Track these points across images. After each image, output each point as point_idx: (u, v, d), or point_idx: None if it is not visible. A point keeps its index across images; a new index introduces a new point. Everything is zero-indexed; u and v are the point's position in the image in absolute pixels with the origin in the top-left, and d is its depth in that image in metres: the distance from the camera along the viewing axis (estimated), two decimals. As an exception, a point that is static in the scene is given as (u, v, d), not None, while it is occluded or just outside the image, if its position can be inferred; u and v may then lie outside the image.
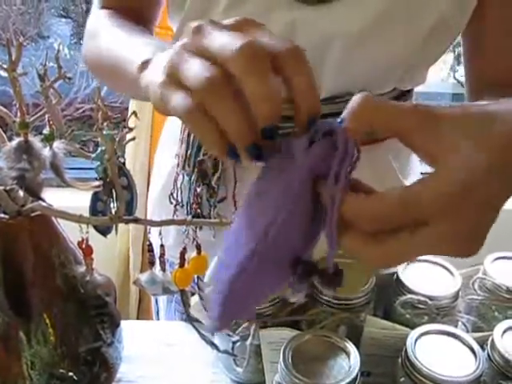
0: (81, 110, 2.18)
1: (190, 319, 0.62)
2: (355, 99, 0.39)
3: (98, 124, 0.47)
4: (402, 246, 0.37)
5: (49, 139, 0.54)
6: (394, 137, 0.38)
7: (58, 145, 0.56)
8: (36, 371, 0.60)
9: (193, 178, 0.64)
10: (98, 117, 0.51)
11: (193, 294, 0.68)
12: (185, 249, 0.55)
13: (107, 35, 0.68)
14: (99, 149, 0.52)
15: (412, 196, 0.36)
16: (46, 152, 0.55)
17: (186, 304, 0.61)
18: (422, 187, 0.36)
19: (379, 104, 0.38)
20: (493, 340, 0.64)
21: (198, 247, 0.55)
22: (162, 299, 0.86)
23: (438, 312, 0.69)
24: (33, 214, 0.58)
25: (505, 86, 0.67)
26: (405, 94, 0.74)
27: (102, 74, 0.72)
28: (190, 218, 0.59)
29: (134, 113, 0.54)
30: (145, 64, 0.49)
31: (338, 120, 0.40)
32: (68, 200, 0.91)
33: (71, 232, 0.61)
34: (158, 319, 0.90)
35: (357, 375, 0.59)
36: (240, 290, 0.38)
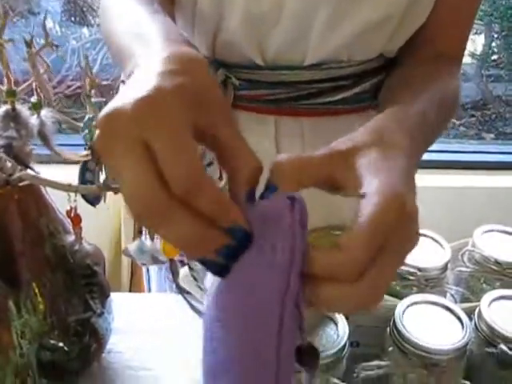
0: (72, 88, 2.16)
1: (180, 290, 0.62)
2: (278, 164, 0.40)
3: (85, 91, 0.47)
4: (377, 278, 0.36)
5: (36, 107, 0.54)
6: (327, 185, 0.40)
7: (45, 113, 0.55)
8: (26, 341, 0.60)
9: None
10: (85, 84, 0.50)
11: (183, 265, 0.68)
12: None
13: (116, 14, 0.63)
14: (87, 116, 0.51)
15: (371, 230, 0.36)
16: (33, 120, 0.55)
17: (175, 274, 0.61)
18: (369, 221, 0.36)
19: (302, 161, 0.39)
20: (480, 310, 0.64)
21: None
22: (153, 268, 0.86)
23: (426, 283, 0.69)
24: (21, 184, 0.57)
25: (449, 58, 0.68)
26: (390, 63, 0.73)
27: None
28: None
29: (123, 82, 0.54)
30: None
31: (268, 187, 0.39)
32: (57, 176, 0.90)
33: (61, 204, 0.61)
34: (150, 288, 0.90)
35: (345, 344, 0.59)
36: None
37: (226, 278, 0.35)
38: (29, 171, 0.56)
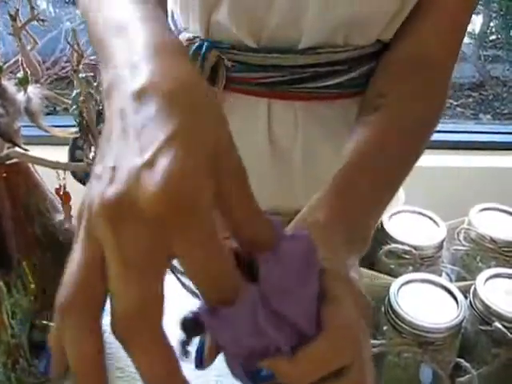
0: (66, 69, 2.14)
1: (172, 269, 0.61)
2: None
3: (72, 65, 0.46)
4: None
5: (23, 83, 0.53)
6: None
7: (32, 89, 0.54)
8: (17, 321, 0.60)
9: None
10: (73, 59, 0.49)
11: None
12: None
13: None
14: (74, 91, 0.50)
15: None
16: (20, 97, 0.54)
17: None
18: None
19: None
20: (475, 288, 0.64)
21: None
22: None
23: (422, 262, 0.69)
24: (9, 162, 0.57)
25: (429, 66, 0.64)
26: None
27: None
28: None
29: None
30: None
31: None
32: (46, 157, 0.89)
33: (51, 183, 0.60)
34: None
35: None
36: None
37: None
38: (17, 149, 0.55)
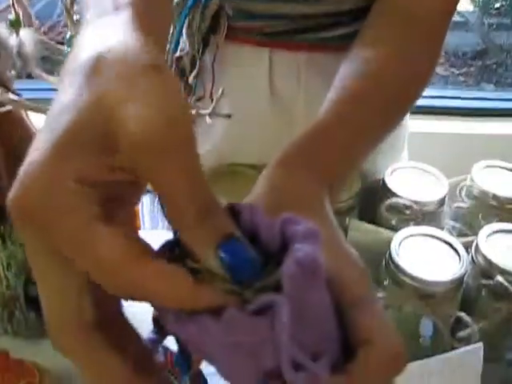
0: (63, 35, 2.11)
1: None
2: None
3: (65, 3, 0.44)
4: None
5: (15, 25, 0.51)
6: None
7: (25, 33, 0.52)
8: (12, 273, 0.59)
9: (171, 75, 0.61)
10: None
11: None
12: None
13: None
14: (68, 34, 0.48)
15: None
16: (12, 41, 0.52)
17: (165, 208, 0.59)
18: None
19: None
20: (477, 243, 0.63)
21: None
22: (146, 203, 0.85)
23: (423, 217, 0.68)
24: (3, 110, 0.55)
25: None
26: None
27: None
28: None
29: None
30: None
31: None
32: (41, 118, 0.87)
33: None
34: (144, 224, 0.89)
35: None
36: None
37: None
38: (10, 95, 0.54)
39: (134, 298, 0.26)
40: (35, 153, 0.26)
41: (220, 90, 0.52)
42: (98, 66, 0.26)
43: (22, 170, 0.26)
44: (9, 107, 0.55)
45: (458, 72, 2.28)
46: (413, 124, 0.88)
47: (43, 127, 0.26)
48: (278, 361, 0.25)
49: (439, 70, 2.22)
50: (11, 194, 0.25)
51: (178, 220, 0.25)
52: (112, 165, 0.25)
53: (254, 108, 0.68)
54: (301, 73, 0.69)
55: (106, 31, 0.29)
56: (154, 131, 0.24)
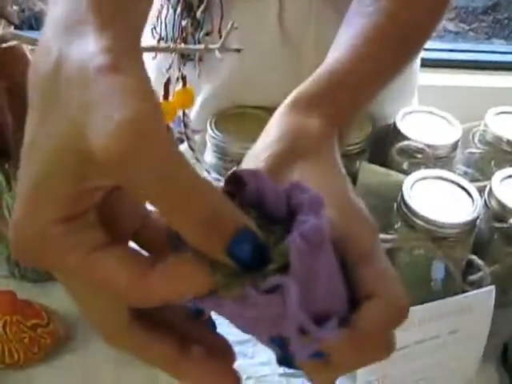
0: None
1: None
2: None
3: None
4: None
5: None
6: None
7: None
8: (18, 214, 0.58)
9: (178, 10, 0.59)
10: None
11: (181, 142, 0.65)
12: (169, 80, 0.51)
13: None
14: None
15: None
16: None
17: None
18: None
19: None
20: (490, 187, 0.62)
21: (184, 78, 0.51)
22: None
23: (435, 162, 0.66)
24: (5, 45, 0.53)
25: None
26: None
27: None
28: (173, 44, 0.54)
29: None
30: None
31: None
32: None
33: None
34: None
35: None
36: None
37: None
38: (12, 29, 0.52)
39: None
40: (17, 206, 0.25)
41: (229, 24, 0.50)
42: (56, 81, 0.24)
43: (11, 227, 0.26)
44: (11, 42, 0.54)
45: (468, 27, 2.24)
46: (424, 77, 0.85)
47: (21, 167, 0.25)
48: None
49: (449, 25, 2.18)
50: (11, 246, 0.26)
51: (182, 234, 0.24)
52: (96, 185, 0.25)
53: (264, 44, 0.66)
54: (312, 4, 0.67)
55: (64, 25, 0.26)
56: (118, 145, 0.22)
